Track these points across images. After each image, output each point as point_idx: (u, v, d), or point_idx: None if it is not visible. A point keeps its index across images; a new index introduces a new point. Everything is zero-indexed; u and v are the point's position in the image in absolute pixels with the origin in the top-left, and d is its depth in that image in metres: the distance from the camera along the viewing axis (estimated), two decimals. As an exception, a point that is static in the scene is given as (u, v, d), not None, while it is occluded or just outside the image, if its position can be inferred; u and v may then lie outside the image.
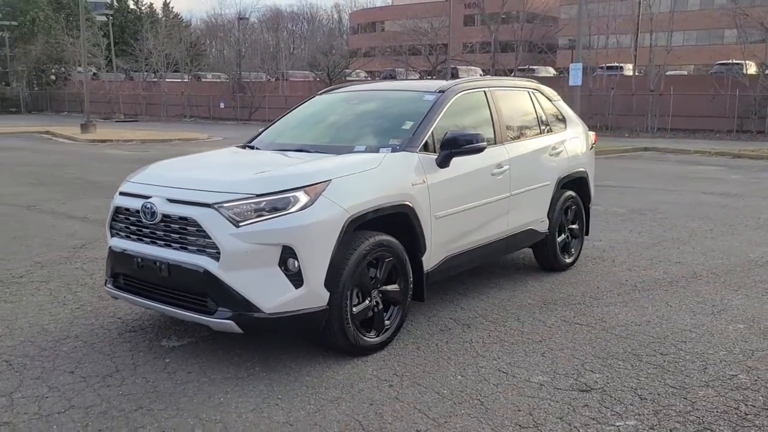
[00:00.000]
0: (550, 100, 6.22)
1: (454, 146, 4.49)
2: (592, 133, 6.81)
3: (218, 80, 53.07)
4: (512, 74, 37.13)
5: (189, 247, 3.71)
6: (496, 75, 38.31)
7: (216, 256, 3.59)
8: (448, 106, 4.86)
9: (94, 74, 54.88)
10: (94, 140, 23.39)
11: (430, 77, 41.13)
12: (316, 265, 3.66)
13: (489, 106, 5.28)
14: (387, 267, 4.12)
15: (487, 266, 6.25)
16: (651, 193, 11.58)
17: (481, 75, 42.23)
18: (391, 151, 4.41)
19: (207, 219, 3.62)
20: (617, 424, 3.25)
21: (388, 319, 4.21)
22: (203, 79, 54.86)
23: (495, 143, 5.21)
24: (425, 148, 4.54)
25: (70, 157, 18.01)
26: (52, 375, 3.73)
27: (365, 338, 4.01)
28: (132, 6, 69.84)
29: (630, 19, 38.45)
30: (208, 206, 3.65)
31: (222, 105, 46.17)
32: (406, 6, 64.43)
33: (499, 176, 5.09)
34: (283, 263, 3.62)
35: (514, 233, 5.38)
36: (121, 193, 4.17)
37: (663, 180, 13.55)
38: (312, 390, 3.59)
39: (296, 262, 3.61)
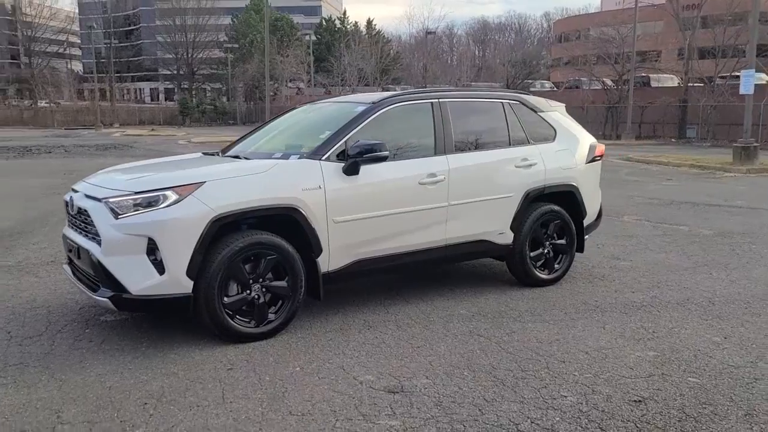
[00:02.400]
0: (536, 111, 6.10)
1: (357, 155, 4.75)
2: (601, 146, 6.51)
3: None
4: (711, 83, 34.12)
5: (88, 234, 4.45)
6: (689, 83, 35.47)
7: (100, 243, 4.28)
8: (372, 117, 5.11)
9: (299, 89, 60.01)
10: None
11: (615, 87, 39.27)
12: (176, 255, 4.19)
13: (434, 118, 5.40)
14: (268, 264, 4.52)
15: (464, 271, 6.31)
16: (775, 215, 10.34)
17: (680, 84, 39.29)
18: (299, 158, 4.80)
19: (96, 211, 4.33)
20: (381, 422, 3.37)
21: (273, 313, 4.60)
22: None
23: (435, 154, 5.33)
24: (340, 156, 4.84)
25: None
26: (-9, 332, 4.68)
27: (239, 327, 4.44)
28: (338, 25, 74.88)
29: None
30: (98, 200, 4.36)
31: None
32: (615, 12, 61.45)
33: (432, 186, 5.20)
34: (150, 252, 4.21)
35: (457, 243, 5.43)
36: (72, 189, 5.04)
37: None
38: (162, 365, 4.12)
39: (158, 251, 4.17)
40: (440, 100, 5.52)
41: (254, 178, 4.54)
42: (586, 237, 6.73)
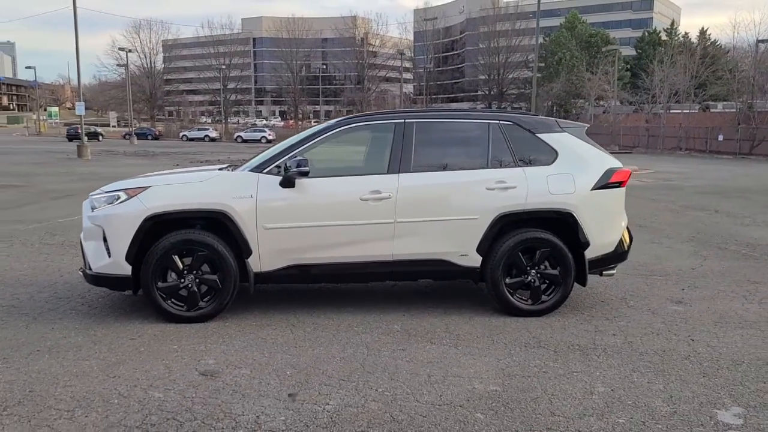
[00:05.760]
0: (533, 133, 5.79)
1: (286, 170, 5.31)
2: (624, 171, 5.85)
3: (729, 111, 49.48)
4: None
5: (85, 224, 5.80)
6: None
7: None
8: (324, 137, 5.61)
9: (606, 108, 57.91)
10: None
11: None
12: (117, 243, 5.27)
13: (393, 138, 5.60)
14: (199, 259, 5.33)
15: (478, 296, 6.27)
16: None
17: None
18: (248, 171, 5.53)
19: (85, 205, 5.64)
20: (152, 393, 3.99)
21: (205, 301, 5.39)
22: (712, 110, 51.91)
23: (387, 172, 5.54)
24: (284, 170, 5.42)
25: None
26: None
27: (170, 309, 5.34)
28: (664, 37, 69.85)
29: None
30: (89, 197, 5.67)
31: (720, 138, 43.19)
32: None
33: (375, 202, 5.43)
34: (105, 239, 5.35)
35: (407, 260, 5.53)
36: None
37: None
38: (101, 329, 5.24)
39: (107, 239, 5.30)
40: (406, 121, 5.68)
41: (192, 186, 5.42)
42: (613, 271, 6.13)
